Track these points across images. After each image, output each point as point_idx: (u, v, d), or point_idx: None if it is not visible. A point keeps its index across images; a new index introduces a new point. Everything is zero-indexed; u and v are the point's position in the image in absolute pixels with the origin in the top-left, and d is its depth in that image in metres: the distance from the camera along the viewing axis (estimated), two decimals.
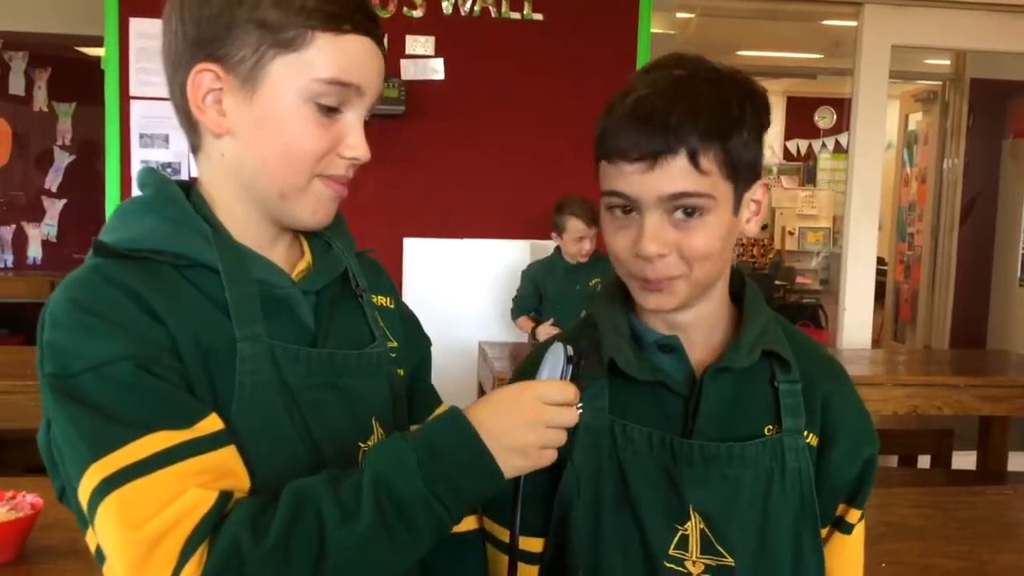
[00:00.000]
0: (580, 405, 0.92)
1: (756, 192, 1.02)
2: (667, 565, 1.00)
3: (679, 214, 0.95)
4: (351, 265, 1.00)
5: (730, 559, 1.00)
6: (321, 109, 0.88)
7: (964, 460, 3.97)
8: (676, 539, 1.00)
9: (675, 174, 0.93)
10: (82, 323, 0.81)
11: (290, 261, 0.96)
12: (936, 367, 3.93)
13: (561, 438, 0.87)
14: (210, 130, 0.90)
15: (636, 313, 1.08)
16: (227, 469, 0.81)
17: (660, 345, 1.05)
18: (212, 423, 0.82)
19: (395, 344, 1.02)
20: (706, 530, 1.00)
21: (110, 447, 0.77)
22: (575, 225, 3.42)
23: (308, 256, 0.98)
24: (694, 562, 1.00)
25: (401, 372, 1.03)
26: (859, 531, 1.10)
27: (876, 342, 6.20)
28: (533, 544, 1.07)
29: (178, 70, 0.89)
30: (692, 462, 1.00)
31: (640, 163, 0.94)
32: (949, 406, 3.32)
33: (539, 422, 0.85)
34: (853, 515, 1.09)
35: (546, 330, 3.49)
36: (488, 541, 1.10)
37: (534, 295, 3.60)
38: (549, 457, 0.86)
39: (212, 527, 0.76)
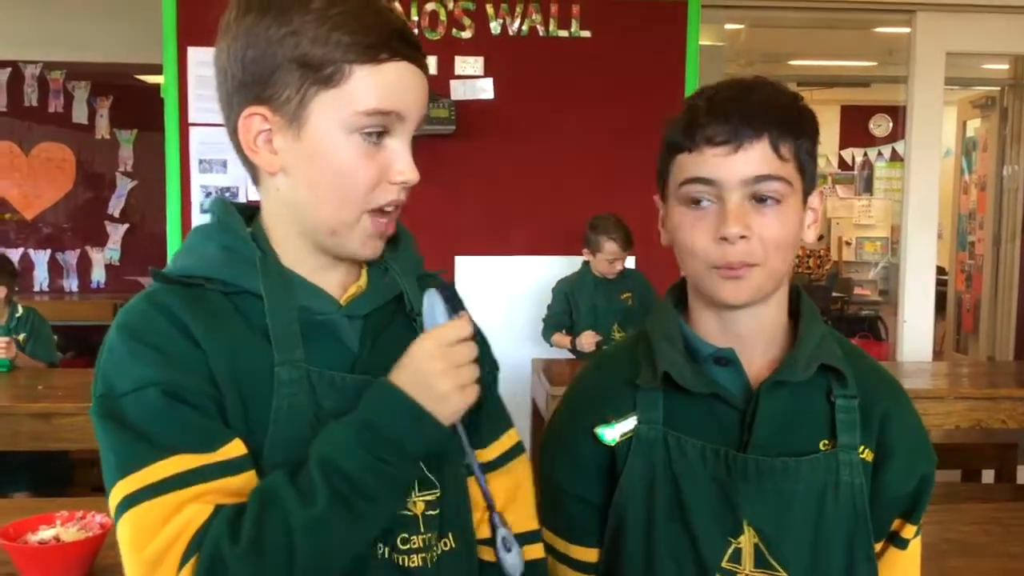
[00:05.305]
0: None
1: (814, 199, 1.05)
2: None
3: (757, 200, 0.98)
4: (407, 288, 1.00)
5: (784, 573, 1.01)
6: (366, 138, 0.90)
7: None
8: (729, 552, 1.02)
9: (758, 158, 0.98)
10: (127, 348, 0.87)
11: (344, 285, 0.98)
12: (1001, 379, 3.83)
13: (473, 373, 0.91)
14: (264, 169, 0.93)
15: (691, 325, 1.09)
16: (246, 493, 0.85)
17: (716, 358, 1.05)
18: (235, 448, 0.87)
19: None
20: (760, 544, 1.01)
21: (135, 466, 0.83)
22: (610, 247, 3.48)
23: (363, 280, 1.00)
24: (747, 575, 1.01)
25: None
26: (915, 547, 1.11)
27: (938, 354, 6.08)
28: (589, 555, 1.10)
29: (231, 112, 0.93)
30: (747, 476, 1.01)
31: (725, 147, 0.98)
32: (1014, 419, 3.23)
33: (448, 367, 0.88)
34: (908, 530, 1.09)
35: (589, 338, 3.49)
36: (548, 552, 1.11)
37: (566, 311, 3.63)
38: (472, 393, 0.91)
39: (202, 540, 0.81)
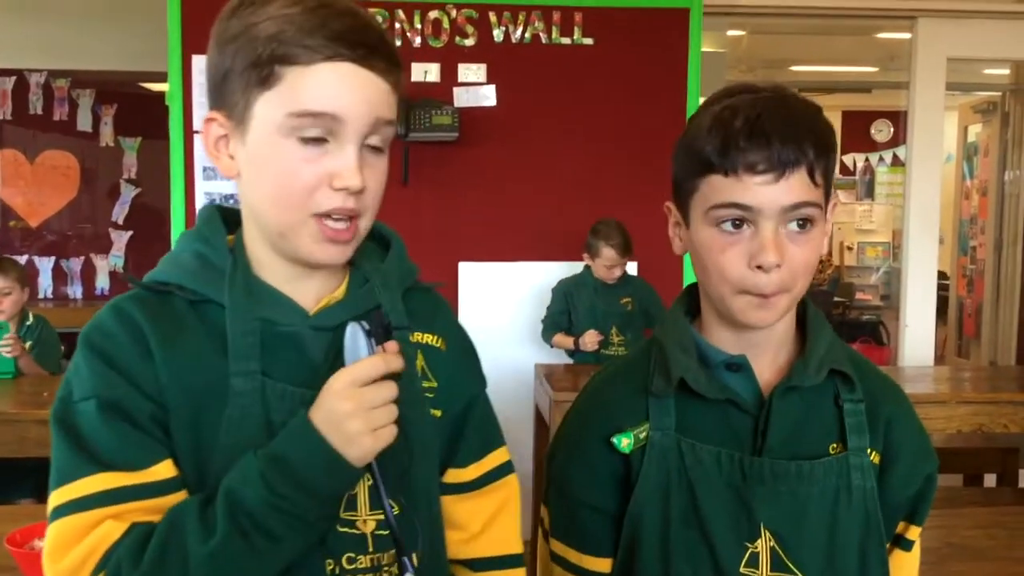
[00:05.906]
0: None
1: (829, 211, 1.05)
2: None
3: (793, 226, 0.99)
4: (385, 301, 0.97)
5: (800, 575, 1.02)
6: (305, 142, 0.87)
7: None
8: (746, 557, 1.02)
9: (797, 185, 0.97)
10: (84, 357, 0.88)
11: (320, 295, 0.96)
12: (1002, 383, 3.84)
13: (389, 415, 0.86)
14: (224, 174, 0.93)
15: (703, 334, 1.09)
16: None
17: (728, 364, 1.06)
18: (165, 469, 0.87)
19: (433, 384, 1.01)
20: (776, 548, 1.02)
21: (69, 478, 0.85)
22: (609, 254, 3.50)
23: (341, 290, 0.97)
24: None
25: (438, 413, 1.01)
26: (917, 547, 1.13)
27: (940, 358, 6.08)
28: (601, 564, 1.09)
29: None
30: (763, 480, 1.02)
31: (768, 175, 0.96)
32: (1016, 423, 3.24)
33: (359, 409, 0.83)
34: (913, 532, 1.11)
35: (592, 337, 3.51)
36: (556, 563, 1.12)
37: (565, 311, 3.66)
38: (386, 436, 0.85)
39: (111, 558, 0.82)
